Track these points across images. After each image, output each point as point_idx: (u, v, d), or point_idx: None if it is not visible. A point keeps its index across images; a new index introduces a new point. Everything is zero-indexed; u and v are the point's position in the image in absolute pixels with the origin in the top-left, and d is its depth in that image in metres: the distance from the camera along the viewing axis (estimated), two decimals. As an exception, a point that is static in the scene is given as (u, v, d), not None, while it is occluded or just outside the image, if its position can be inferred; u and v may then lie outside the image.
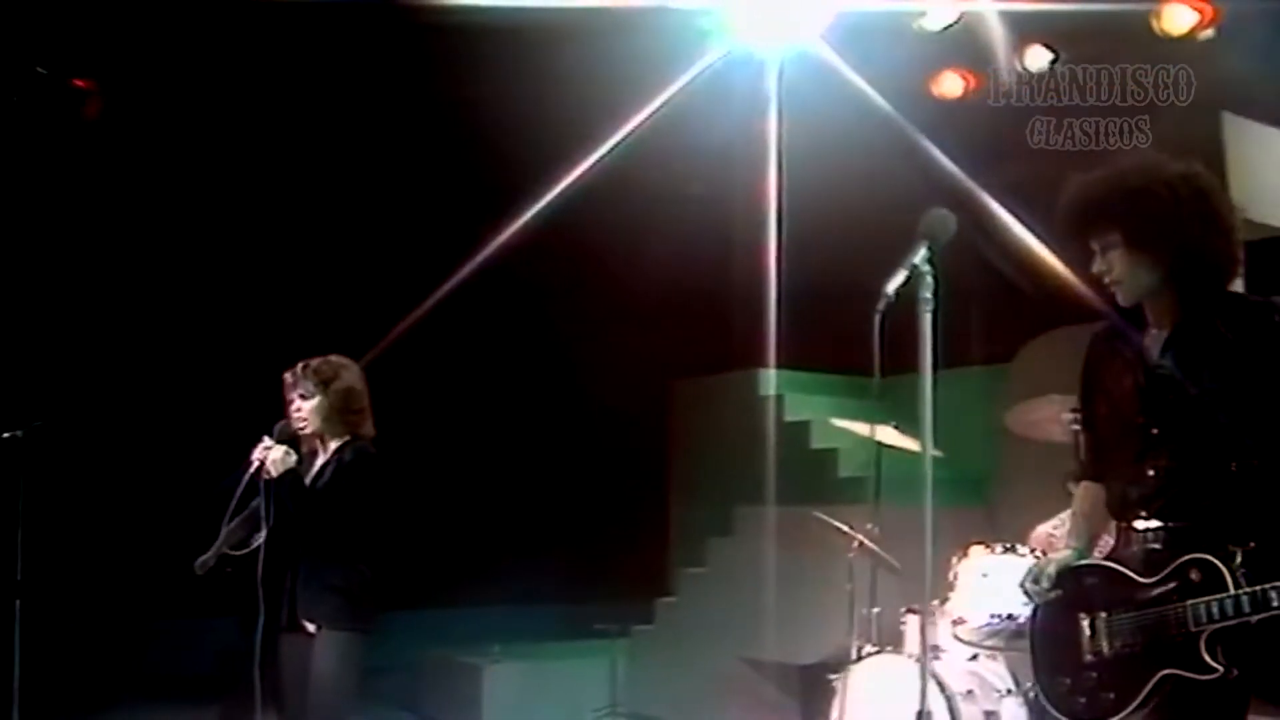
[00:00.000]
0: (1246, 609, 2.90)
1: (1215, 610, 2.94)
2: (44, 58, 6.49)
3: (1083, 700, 3.18)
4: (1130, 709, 3.07)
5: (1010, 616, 5.01)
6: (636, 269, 8.14)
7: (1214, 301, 3.13)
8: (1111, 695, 3.11)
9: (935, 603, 5.49)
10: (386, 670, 7.47)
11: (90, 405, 7.46)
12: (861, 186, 6.87)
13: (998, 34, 6.09)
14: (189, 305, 8.08)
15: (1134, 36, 5.72)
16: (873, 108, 6.25)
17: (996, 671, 5.42)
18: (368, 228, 8.11)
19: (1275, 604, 2.87)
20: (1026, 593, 3.39)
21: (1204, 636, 2.96)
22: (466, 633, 8.81)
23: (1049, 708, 3.29)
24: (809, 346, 8.13)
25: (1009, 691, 5.32)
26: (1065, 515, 5.80)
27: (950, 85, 6.58)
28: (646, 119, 6.57)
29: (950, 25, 6.19)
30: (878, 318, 3.07)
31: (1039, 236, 5.97)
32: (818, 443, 8.29)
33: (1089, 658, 3.19)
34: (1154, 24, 5.76)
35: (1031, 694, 5.07)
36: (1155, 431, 3.16)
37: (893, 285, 3.11)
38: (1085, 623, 3.21)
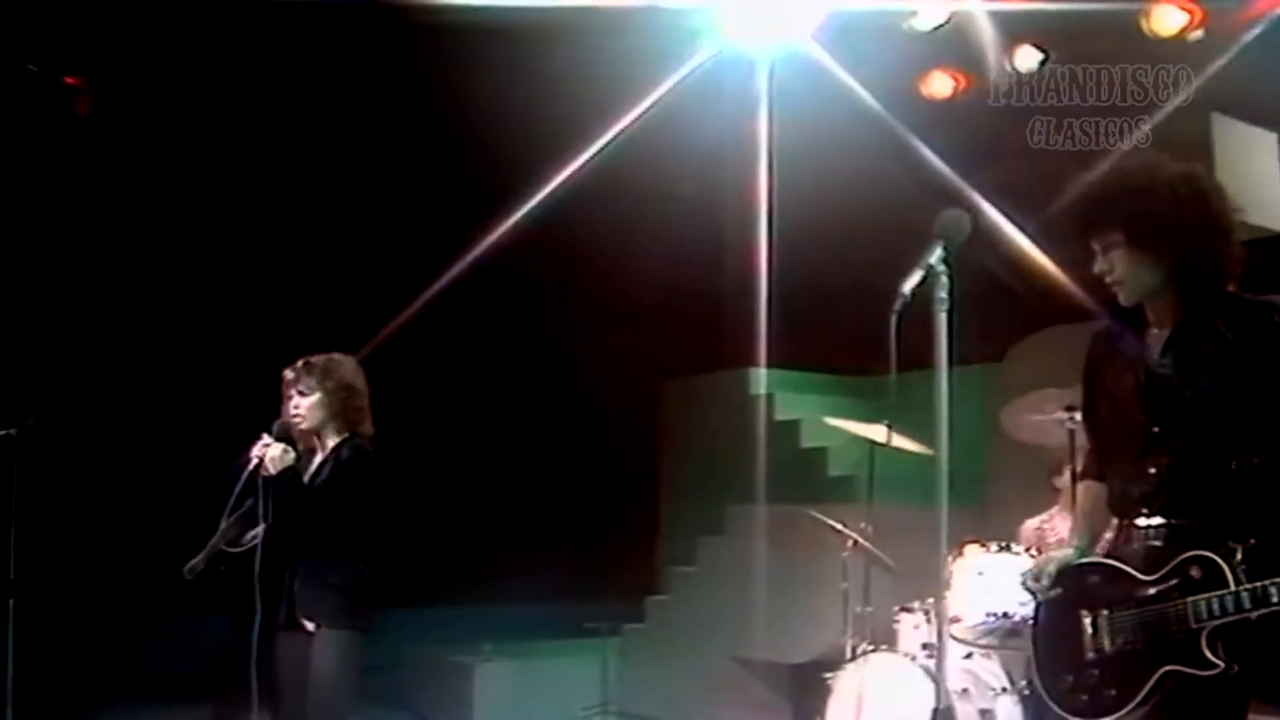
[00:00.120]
0: (1247, 605, 2.93)
1: (1216, 607, 2.96)
2: (35, 55, 6.45)
3: (1084, 697, 3.20)
4: (1132, 706, 3.08)
5: (1006, 615, 5.04)
6: (627, 268, 8.14)
7: (1214, 301, 3.16)
8: (1113, 692, 3.13)
9: (930, 600, 5.54)
10: (378, 669, 7.41)
11: (84, 403, 7.41)
12: (852, 186, 6.90)
13: (988, 34, 6.11)
14: (183, 303, 8.03)
15: (1125, 37, 5.74)
16: (863, 108, 6.26)
17: (991, 670, 5.45)
18: (359, 226, 8.07)
19: (1275, 600, 2.89)
20: (1028, 590, 3.41)
21: (1205, 633, 2.98)
22: (458, 631, 8.79)
23: (1051, 705, 3.30)
24: (799, 346, 8.15)
25: (1004, 690, 5.36)
26: (1054, 510, 5.87)
27: (940, 85, 6.59)
28: (637, 119, 6.56)
29: (940, 25, 6.20)
30: (893, 318, 3.06)
31: (1030, 236, 6.01)
32: (808, 441, 8.32)
33: (1091, 655, 3.21)
34: (1143, 25, 5.79)
35: (1026, 691, 5.14)
36: (1156, 430, 3.18)
37: (909, 285, 3.10)
38: (1087, 620, 3.23)
